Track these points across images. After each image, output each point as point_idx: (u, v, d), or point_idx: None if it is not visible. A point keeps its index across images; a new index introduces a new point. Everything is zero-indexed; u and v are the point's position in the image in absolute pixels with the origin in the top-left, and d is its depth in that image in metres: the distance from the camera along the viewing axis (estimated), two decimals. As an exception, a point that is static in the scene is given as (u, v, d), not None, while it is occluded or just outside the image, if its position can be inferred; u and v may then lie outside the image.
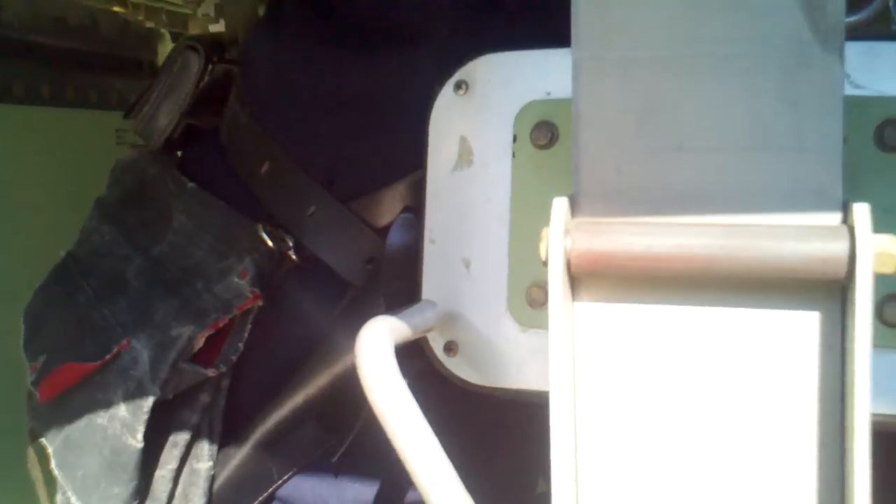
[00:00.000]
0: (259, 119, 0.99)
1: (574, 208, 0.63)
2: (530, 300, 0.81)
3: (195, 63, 1.07)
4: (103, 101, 1.69)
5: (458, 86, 0.88)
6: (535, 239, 0.85)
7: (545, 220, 0.85)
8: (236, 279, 0.91)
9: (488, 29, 0.91)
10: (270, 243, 0.93)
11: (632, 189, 0.61)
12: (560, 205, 0.58)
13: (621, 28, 0.64)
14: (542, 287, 0.81)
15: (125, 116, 1.14)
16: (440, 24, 0.93)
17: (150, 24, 1.65)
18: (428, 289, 0.85)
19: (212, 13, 1.66)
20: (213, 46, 1.11)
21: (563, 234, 0.58)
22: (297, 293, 0.95)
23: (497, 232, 0.86)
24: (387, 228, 0.91)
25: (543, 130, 0.84)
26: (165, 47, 1.94)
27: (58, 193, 1.47)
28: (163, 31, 1.81)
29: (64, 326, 0.95)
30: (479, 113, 0.88)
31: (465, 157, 0.88)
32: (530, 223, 0.84)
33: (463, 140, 0.88)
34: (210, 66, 1.10)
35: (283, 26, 1.02)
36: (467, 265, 0.85)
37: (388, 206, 0.93)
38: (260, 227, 0.93)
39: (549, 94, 0.86)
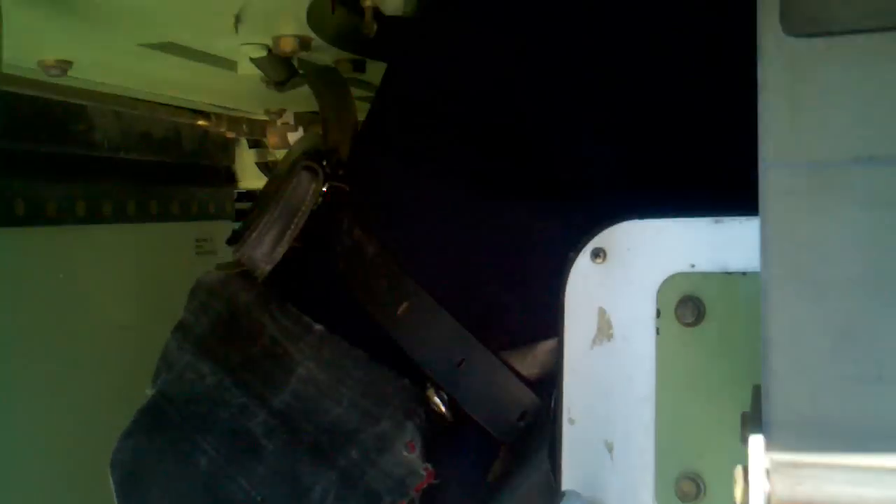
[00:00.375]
0: (394, 253, 0.91)
1: (765, 439, 0.58)
2: (681, 494, 0.77)
3: (310, 184, 0.97)
4: (185, 211, 1.68)
5: (595, 254, 0.85)
6: (684, 424, 0.81)
7: (695, 403, 0.81)
8: (405, 452, 0.82)
9: (656, 194, 0.87)
10: (443, 408, 0.86)
11: (828, 422, 0.57)
12: (757, 445, 0.54)
13: (815, 248, 0.60)
14: (694, 479, 0.77)
15: (228, 243, 1.08)
16: (615, 181, 0.89)
17: (230, 135, 1.64)
18: (569, 475, 0.80)
19: (291, 121, 1.65)
20: (331, 165, 1.01)
21: (764, 477, 0.53)
22: (444, 457, 0.87)
23: (642, 413, 0.81)
24: (539, 381, 0.86)
25: (690, 307, 0.80)
26: (242, 153, 1.93)
27: (144, 308, 1.46)
28: (241, 137, 1.80)
29: (186, 493, 0.89)
30: (619, 283, 0.84)
31: (604, 329, 0.84)
32: (679, 406, 0.80)
33: (602, 312, 0.84)
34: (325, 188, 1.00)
35: (415, 157, 0.94)
36: (610, 449, 0.81)
37: (544, 360, 0.87)
38: (432, 390, 0.86)
39: (693, 266, 0.82)
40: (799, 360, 0.59)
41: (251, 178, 1.91)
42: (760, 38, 0.67)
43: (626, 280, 0.84)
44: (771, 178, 0.60)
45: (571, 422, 0.81)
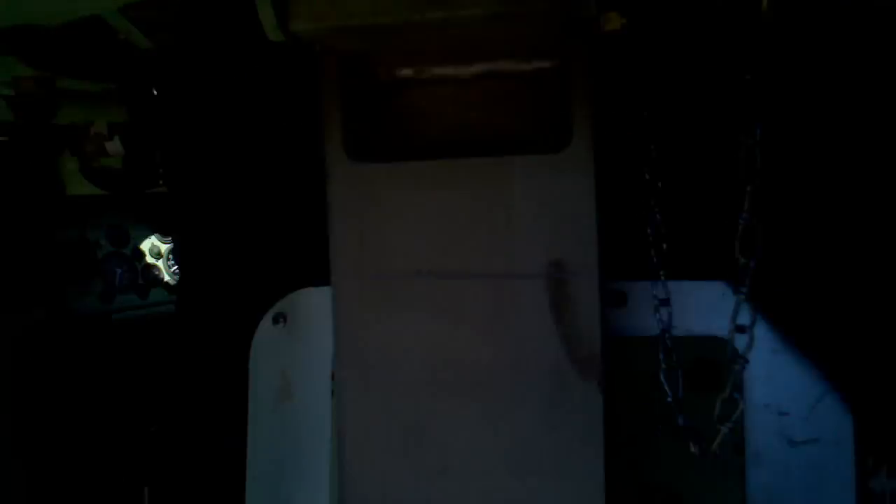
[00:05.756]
0: None
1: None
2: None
3: None
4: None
5: (276, 319, 0.90)
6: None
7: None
8: None
9: None
10: None
11: (399, 512, 0.64)
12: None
13: (383, 353, 0.66)
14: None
15: None
16: None
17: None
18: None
19: (105, 131, 1.68)
20: None
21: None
22: None
23: (321, 472, 0.87)
24: None
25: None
26: (65, 160, 1.93)
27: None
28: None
29: None
30: (299, 347, 0.90)
31: (286, 391, 0.90)
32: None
33: (284, 374, 0.90)
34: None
35: None
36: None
37: None
38: None
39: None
40: (371, 455, 0.65)
41: (76, 185, 1.92)
42: (328, 164, 0.72)
43: (305, 344, 0.89)
44: (343, 291, 0.65)
45: (255, 479, 0.87)
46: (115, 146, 1.67)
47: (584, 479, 0.62)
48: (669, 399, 0.71)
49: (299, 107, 1.07)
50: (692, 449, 0.68)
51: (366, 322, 0.66)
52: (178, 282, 1.97)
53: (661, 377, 0.72)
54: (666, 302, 0.78)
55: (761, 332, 0.91)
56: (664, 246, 0.80)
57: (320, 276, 0.91)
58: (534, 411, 0.63)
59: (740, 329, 0.69)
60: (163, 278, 2.10)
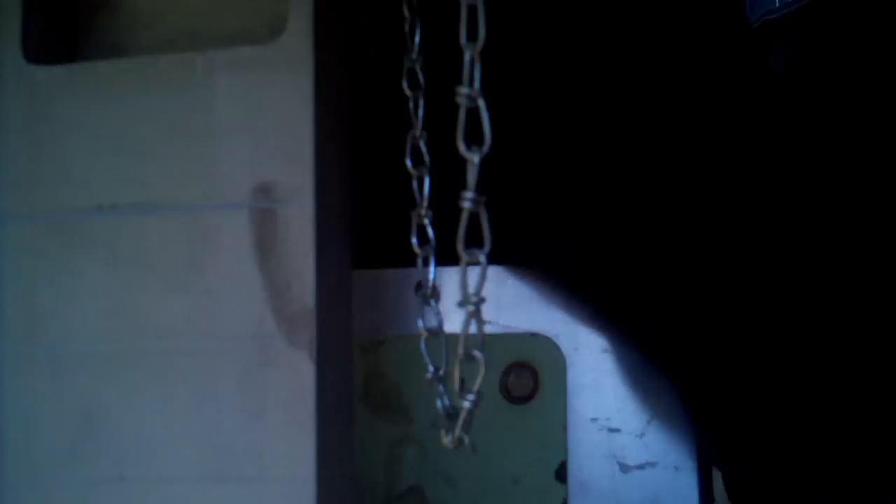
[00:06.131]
0: None
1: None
2: None
3: None
4: None
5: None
6: None
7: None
8: None
9: None
10: None
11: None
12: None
13: (56, 317, 0.49)
14: None
15: None
16: None
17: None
18: None
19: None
20: None
21: None
22: None
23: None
24: None
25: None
26: None
27: None
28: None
29: None
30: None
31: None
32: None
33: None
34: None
35: None
36: None
37: None
38: None
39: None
40: (35, 456, 0.48)
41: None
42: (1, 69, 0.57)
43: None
44: (9, 236, 0.50)
45: None
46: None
47: (292, 483, 0.44)
48: (430, 374, 0.51)
49: None
50: (444, 440, 0.49)
51: (34, 276, 0.50)
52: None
53: (422, 348, 0.52)
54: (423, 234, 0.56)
55: (588, 328, 0.73)
56: (428, 178, 0.59)
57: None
58: (232, 391, 0.46)
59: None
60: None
